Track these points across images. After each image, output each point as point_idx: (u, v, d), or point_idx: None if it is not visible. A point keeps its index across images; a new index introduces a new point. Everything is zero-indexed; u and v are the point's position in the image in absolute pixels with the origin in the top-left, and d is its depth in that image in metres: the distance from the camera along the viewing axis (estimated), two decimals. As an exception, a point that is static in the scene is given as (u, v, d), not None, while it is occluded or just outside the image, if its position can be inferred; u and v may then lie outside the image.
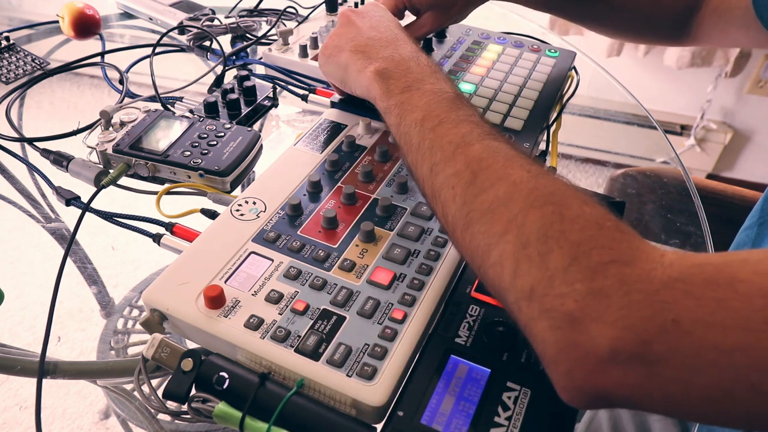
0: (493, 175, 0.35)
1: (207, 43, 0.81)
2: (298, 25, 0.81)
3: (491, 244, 0.33)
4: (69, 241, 0.49)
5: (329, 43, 0.54)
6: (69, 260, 0.49)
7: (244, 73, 0.69)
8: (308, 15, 0.84)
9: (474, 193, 0.36)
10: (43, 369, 0.42)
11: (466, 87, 0.67)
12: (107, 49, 0.79)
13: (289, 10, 0.88)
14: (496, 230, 0.33)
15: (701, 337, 0.27)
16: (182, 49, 0.81)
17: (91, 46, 0.81)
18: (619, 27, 0.71)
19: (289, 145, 0.58)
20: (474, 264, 0.36)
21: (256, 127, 0.68)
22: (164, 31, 0.80)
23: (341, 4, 0.85)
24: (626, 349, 0.28)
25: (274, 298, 0.42)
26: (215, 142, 0.57)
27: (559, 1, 0.69)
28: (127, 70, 0.75)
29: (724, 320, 0.26)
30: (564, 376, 0.30)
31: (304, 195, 0.52)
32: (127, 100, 0.68)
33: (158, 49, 0.76)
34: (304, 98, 0.68)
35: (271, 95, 0.69)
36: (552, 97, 0.66)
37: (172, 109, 0.66)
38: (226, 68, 0.73)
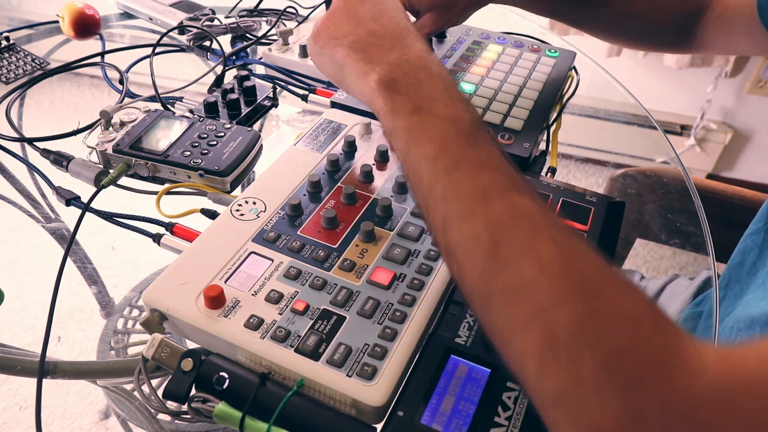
0: (518, 249, 0.31)
1: (207, 43, 0.81)
2: (298, 25, 0.81)
3: (514, 333, 0.30)
4: (69, 241, 0.49)
5: (322, 31, 0.46)
6: (69, 260, 0.49)
7: (244, 73, 0.69)
8: (308, 15, 0.84)
9: (495, 267, 0.31)
10: (43, 369, 0.42)
11: (466, 87, 0.67)
12: (107, 49, 0.79)
13: (289, 10, 0.88)
14: (519, 318, 0.29)
15: None
16: (182, 49, 0.81)
17: (91, 46, 0.81)
18: (621, 33, 0.71)
19: (289, 145, 0.58)
20: (494, 340, 0.32)
21: (256, 127, 0.68)
22: (164, 31, 0.80)
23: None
24: None
25: (274, 298, 0.42)
26: (215, 142, 0.57)
27: (560, 5, 0.68)
28: (127, 70, 0.75)
29: None
30: None
31: (304, 195, 0.52)
32: (127, 100, 0.68)
33: (158, 49, 0.76)
34: (304, 98, 0.68)
35: (271, 95, 0.69)
36: (552, 97, 0.66)
37: (172, 109, 0.66)
38: (226, 68, 0.73)
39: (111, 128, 0.59)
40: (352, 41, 0.43)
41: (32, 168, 0.60)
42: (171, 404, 0.39)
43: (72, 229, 0.50)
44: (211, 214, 0.53)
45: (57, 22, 0.82)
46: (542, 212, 0.32)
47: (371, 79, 0.40)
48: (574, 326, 0.28)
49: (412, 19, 0.66)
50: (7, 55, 0.78)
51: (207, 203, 0.55)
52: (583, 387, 0.27)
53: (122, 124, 0.60)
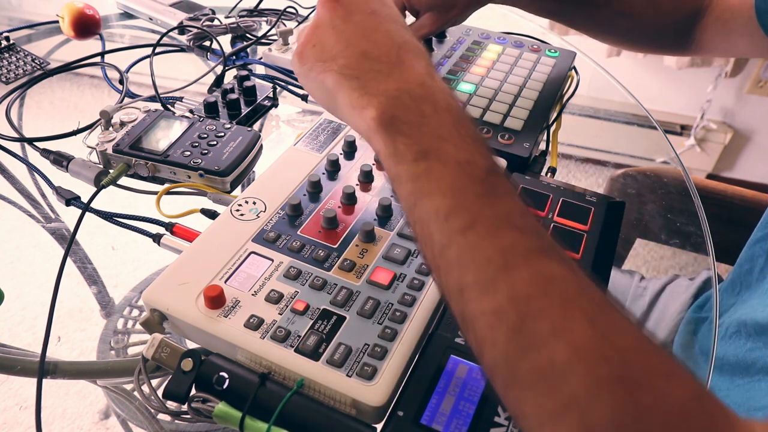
0: (548, 328, 0.27)
1: (207, 43, 0.81)
2: (298, 25, 0.81)
3: (544, 424, 0.26)
4: (69, 241, 0.49)
5: (307, 50, 0.39)
6: (69, 260, 0.49)
7: (244, 73, 0.69)
8: (308, 15, 0.84)
9: (521, 347, 0.27)
10: (43, 369, 0.42)
11: (466, 87, 0.67)
12: (107, 49, 0.79)
13: (289, 10, 0.88)
14: (551, 407, 0.26)
15: None
16: (182, 49, 0.81)
17: (91, 46, 0.81)
18: (620, 34, 0.71)
19: (289, 145, 0.58)
20: (520, 426, 0.28)
21: (256, 127, 0.68)
22: (164, 31, 0.80)
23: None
24: None
25: (274, 298, 0.42)
26: (215, 142, 0.57)
27: (559, 6, 0.68)
28: (127, 70, 0.75)
29: None
30: None
31: (304, 195, 0.52)
32: (127, 100, 0.68)
33: (158, 49, 0.76)
34: (304, 98, 0.68)
35: (271, 95, 0.69)
36: (552, 97, 0.66)
37: (172, 109, 0.66)
38: (226, 68, 0.73)
39: (111, 128, 0.59)
40: (342, 66, 0.37)
41: (32, 168, 0.60)
42: (171, 404, 0.39)
43: (72, 229, 0.50)
44: (211, 214, 0.53)
45: (57, 22, 0.82)
46: (574, 279, 0.28)
47: (368, 116, 0.34)
48: (615, 420, 0.25)
49: (411, 19, 0.66)
50: (7, 55, 0.78)
51: (207, 203, 0.55)
52: None
53: (122, 124, 0.60)
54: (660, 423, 0.24)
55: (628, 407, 0.25)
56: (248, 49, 0.80)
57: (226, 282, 0.43)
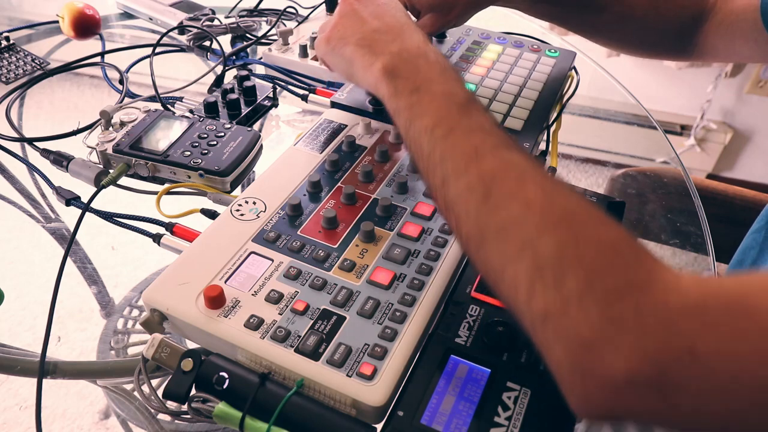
0: (507, 192, 0.34)
1: (207, 43, 0.81)
2: (298, 25, 0.81)
3: (505, 265, 0.33)
4: (69, 241, 0.49)
5: (332, 35, 0.51)
6: (69, 260, 0.49)
7: (244, 73, 0.69)
8: (308, 15, 0.84)
9: (487, 211, 0.34)
10: (43, 369, 0.42)
11: (466, 87, 0.67)
12: (107, 49, 0.79)
13: (289, 10, 0.88)
14: (510, 251, 0.33)
15: (717, 368, 0.26)
16: (182, 49, 0.81)
17: (91, 46, 0.81)
18: (622, 39, 0.71)
19: (289, 145, 0.58)
20: (488, 280, 0.35)
21: (256, 127, 0.68)
22: (164, 31, 0.80)
23: (341, 4, 0.85)
24: (641, 377, 0.27)
25: (274, 298, 0.42)
26: (215, 142, 0.57)
27: (560, 10, 0.68)
28: (127, 70, 0.75)
29: (741, 351, 0.26)
30: (579, 398, 0.30)
31: (304, 195, 0.52)
32: (127, 100, 0.68)
33: (158, 49, 0.76)
34: (304, 98, 0.68)
35: (271, 95, 0.69)
36: (552, 97, 0.66)
37: (172, 109, 0.66)
38: (226, 68, 0.73)
39: (111, 128, 0.59)
40: (358, 39, 0.48)
41: (32, 168, 0.60)
42: (171, 404, 0.39)
43: (72, 229, 0.50)
44: (211, 214, 0.53)
45: (57, 22, 0.82)
46: (529, 163, 0.36)
47: (376, 68, 0.45)
48: (558, 251, 0.31)
49: (413, 19, 0.66)
50: (7, 55, 0.78)
51: (207, 203, 0.55)
52: (567, 303, 0.29)
53: (122, 124, 0.60)
54: (595, 251, 0.30)
55: (570, 241, 0.31)
56: (248, 49, 0.80)
57: (226, 282, 0.43)
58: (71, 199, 0.55)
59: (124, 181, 0.57)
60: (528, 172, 0.35)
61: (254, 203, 0.50)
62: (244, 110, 0.65)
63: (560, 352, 0.30)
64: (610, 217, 0.32)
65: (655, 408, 0.28)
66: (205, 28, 0.80)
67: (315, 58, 0.73)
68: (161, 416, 0.50)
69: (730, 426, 0.27)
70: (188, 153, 0.56)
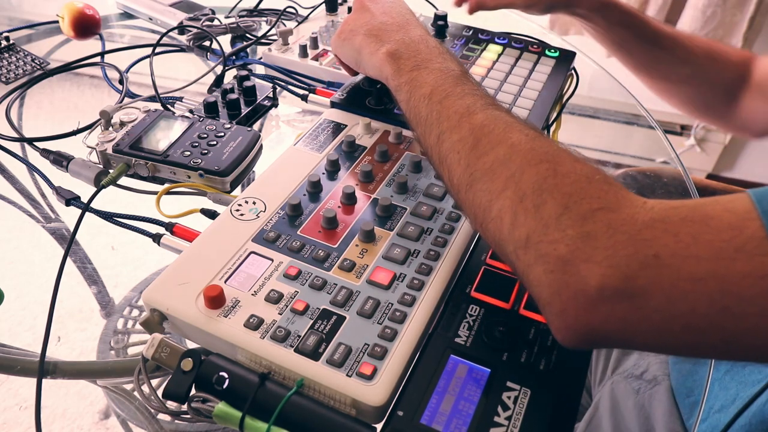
0: (494, 139, 0.38)
1: (207, 43, 0.81)
2: (298, 25, 0.81)
3: (492, 200, 0.36)
4: (69, 241, 0.49)
5: (344, 28, 0.57)
6: (69, 260, 0.49)
7: (244, 73, 0.69)
8: (308, 15, 0.84)
9: (476, 155, 0.38)
10: (43, 369, 0.42)
11: (466, 87, 0.67)
12: (107, 49, 0.79)
13: (289, 10, 0.88)
14: (496, 187, 0.36)
15: (679, 269, 0.29)
16: (182, 49, 0.81)
17: (91, 46, 0.81)
18: (677, 82, 0.73)
19: (289, 145, 0.58)
20: (476, 221, 0.38)
21: (256, 127, 0.68)
22: (164, 31, 0.80)
23: (341, 4, 0.85)
24: (612, 285, 0.30)
25: (274, 298, 0.42)
26: (215, 142, 0.57)
27: (628, 40, 0.71)
28: (127, 70, 0.75)
29: (698, 252, 0.29)
30: (557, 316, 0.32)
31: (304, 195, 0.52)
32: (127, 100, 0.68)
33: (158, 49, 0.76)
34: (304, 98, 0.68)
35: (271, 95, 0.69)
36: (552, 97, 0.66)
37: (172, 109, 0.66)
38: (226, 68, 0.73)
39: (111, 128, 0.59)
40: (367, 30, 0.54)
41: (32, 168, 0.60)
42: (171, 404, 0.39)
43: (72, 229, 0.50)
44: (211, 214, 0.53)
45: (57, 22, 0.82)
46: (515, 118, 0.41)
47: (381, 53, 0.51)
48: (538, 182, 0.35)
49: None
50: (7, 55, 0.78)
51: (207, 203, 0.55)
52: (546, 226, 0.33)
53: (122, 124, 0.60)
54: (570, 180, 0.34)
55: (548, 174, 0.35)
56: (248, 49, 0.80)
57: (226, 282, 0.43)
58: (71, 199, 0.55)
59: (124, 181, 0.57)
60: (513, 123, 0.40)
61: (254, 203, 0.50)
62: (244, 110, 0.65)
63: (540, 272, 0.33)
64: (584, 156, 0.37)
65: (627, 316, 0.30)
66: (205, 28, 0.80)
67: (315, 58, 0.73)
68: (161, 416, 0.50)
69: (695, 329, 0.30)
70: (188, 153, 0.56)
